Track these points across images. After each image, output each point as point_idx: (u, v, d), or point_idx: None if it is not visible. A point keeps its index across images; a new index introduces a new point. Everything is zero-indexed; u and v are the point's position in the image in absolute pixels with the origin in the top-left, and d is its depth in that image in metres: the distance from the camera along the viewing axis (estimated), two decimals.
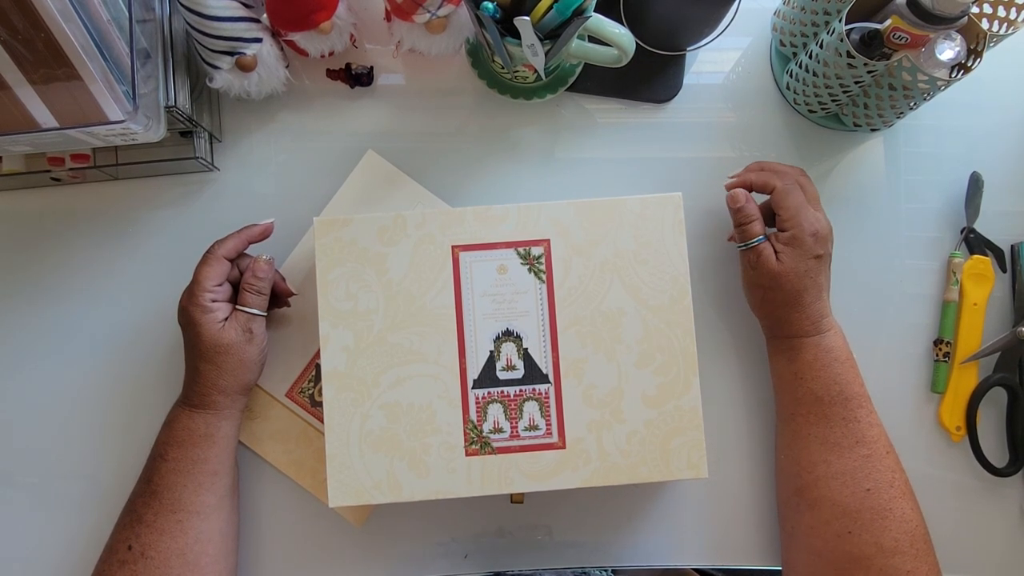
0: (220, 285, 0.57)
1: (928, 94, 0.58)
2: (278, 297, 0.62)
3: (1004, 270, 0.66)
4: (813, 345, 0.58)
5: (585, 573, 0.63)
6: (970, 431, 0.64)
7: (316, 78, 0.67)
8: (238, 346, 0.56)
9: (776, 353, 0.61)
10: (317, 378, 0.63)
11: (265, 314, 0.59)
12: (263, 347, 0.58)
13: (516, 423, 0.57)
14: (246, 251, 0.60)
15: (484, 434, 0.56)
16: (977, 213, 0.66)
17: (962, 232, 0.67)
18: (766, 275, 0.58)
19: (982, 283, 0.65)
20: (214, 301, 0.56)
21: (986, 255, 0.66)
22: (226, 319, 0.56)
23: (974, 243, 0.66)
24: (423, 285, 0.58)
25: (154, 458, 0.57)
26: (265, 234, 0.60)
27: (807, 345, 0.58)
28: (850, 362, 0.58)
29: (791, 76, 0.65)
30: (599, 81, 0.67)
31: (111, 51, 0.51)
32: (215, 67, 0.60)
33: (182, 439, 0.56)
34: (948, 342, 0.65)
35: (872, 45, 0.56)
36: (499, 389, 0.57)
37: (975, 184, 0.66)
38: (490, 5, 0.53)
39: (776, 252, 0.58)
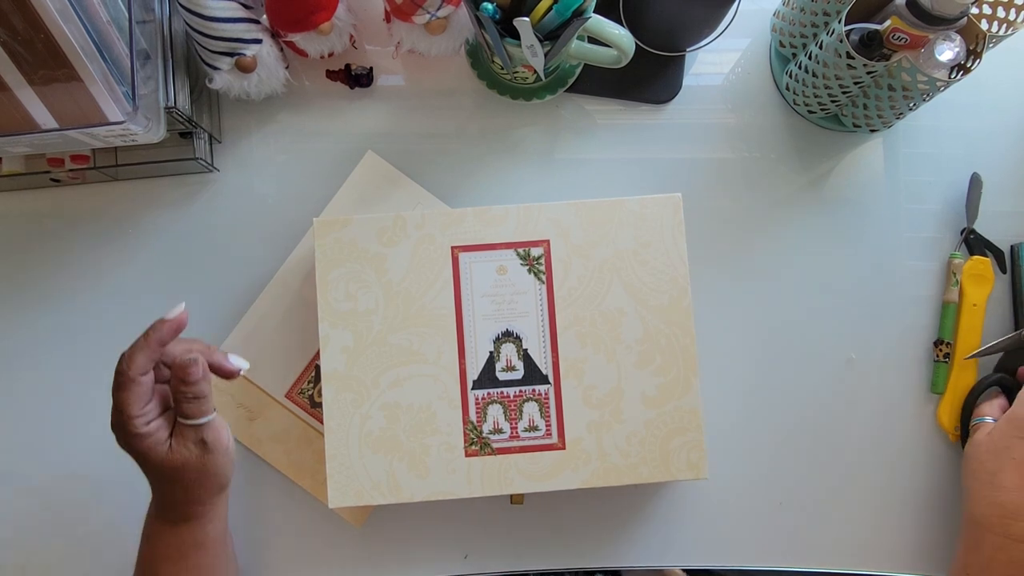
0: (149, 403, 0.48)
1: (928, 95, 0.58)
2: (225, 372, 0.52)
3: (1004, 271, 0.66)
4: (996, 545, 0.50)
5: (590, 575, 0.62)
6: (963, 429, 0.64)
7: (316, 79, 0.67)
8: (196, 461, 0.49)
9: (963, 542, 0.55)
10: (317, 379, 0.63)
11: (213, 415, 0.50)
12: (227, 445, 0.51)
13: (516, 424, 0.57)
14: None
15: (484, 435, 0.56)
16: (977, 214, 0.66)
17: (962, 233, 0.67)
18: (971, 447, 0.57)
19: (982, 284, 0.65)
20: (149, 423, 0.48)
21: (986, 256, 0.66)
22: (171, 435, 0.49)
23: (974, 244, 0.66)
24: (423, 286, 0.58)
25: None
26: (178, 329, 0.49)
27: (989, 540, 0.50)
28: None
29: (791, 77, 0.65)
30: (599, 82, 0.67)
31: (111, 52, 0.51)
32: (215, 68, 0.60)
33: (170, 554, 0.51)
34: (948, 343, 0.65)
35: (871, 46, 0.56)
36: (499, 390, 0.57)
37: (975, 185, 0.66)
38: (490, 6, 0.53)
39: (990, 430, 0.56)
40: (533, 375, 0.57)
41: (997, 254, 0.66)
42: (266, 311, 0.64)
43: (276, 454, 0.63)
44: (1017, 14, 0.56)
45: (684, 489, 0.64)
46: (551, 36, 0.55)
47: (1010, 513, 0.49)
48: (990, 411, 0.59)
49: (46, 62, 0.48)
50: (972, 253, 0.66)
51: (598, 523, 0.64)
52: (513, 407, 0.57)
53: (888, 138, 0.68)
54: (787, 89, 0.66)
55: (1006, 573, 0.49)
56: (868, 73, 0.57)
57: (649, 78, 0.68)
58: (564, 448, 0.56)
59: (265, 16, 0.60)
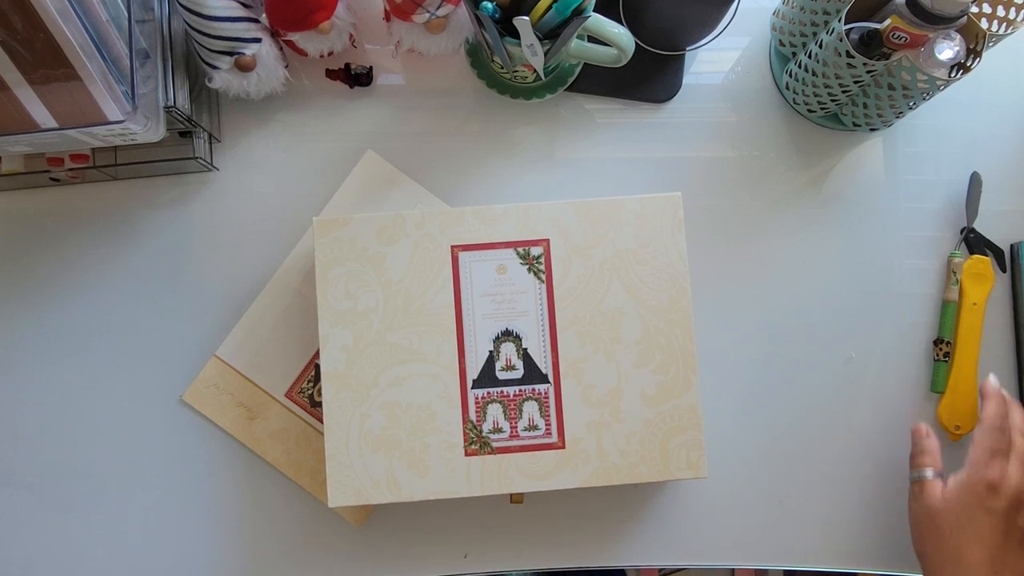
0: None
1: (927, 94, 0.58)
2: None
3: (1004, 270, 0.66)
4: None
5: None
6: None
7: (315, 78, 0.67)
8: None
9: None
10: (316, 378, 0.63)
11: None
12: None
13: (515, 423, 0.57)
14: None
15: (484, 434, 0.56)
16: (976, 212, 0.66)
17: (962, 232, 0.67)
18: (923, 512, 0.54)
19: (982, 283, 0.65)
20: None
21: (986, 255, 0.66)
22: None
23: (974, 243, 0.66)
24: (422, 285, 0.57)
25: None
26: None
27: None
28: None
29: (790, 76, 0.65)
30: (598, 81, 0.67)
31: (110, 51, 0.51)
32: (214, 67, 0.60)
33: None
34: (948, 342, 0.65)
35: (871, 45, 0.56)
36: (498, 389, 0.57)
37: (975, 183, 0.66)
38: (489, 5, 0.53)
39: (943, 493, 0.53)
40: (533, 374, 0.57)
41: (997, 253, 0.66)
42: (266, 310, 0.64)
43: (276, 453, 0.63)
44: (1017, 13, 0.56)
45: (684, 488, 0.64)
46: (551, 35, 0.55)
47: None
48: (931, 461, 0.56)
49: (45, 61, 0.48)
50: (972, 252, 0.66)
51: (598, 523, 0.64)
52: (513, 406, 0.57)
53: (888, 137, 0.68)
54: (787, 88, 0.66)
55: None
56: (868, 72, 0.57)
57: (649, 77, 0.68)
58: (564, 447, 0.56)
59: (264, 15, 0.60)
